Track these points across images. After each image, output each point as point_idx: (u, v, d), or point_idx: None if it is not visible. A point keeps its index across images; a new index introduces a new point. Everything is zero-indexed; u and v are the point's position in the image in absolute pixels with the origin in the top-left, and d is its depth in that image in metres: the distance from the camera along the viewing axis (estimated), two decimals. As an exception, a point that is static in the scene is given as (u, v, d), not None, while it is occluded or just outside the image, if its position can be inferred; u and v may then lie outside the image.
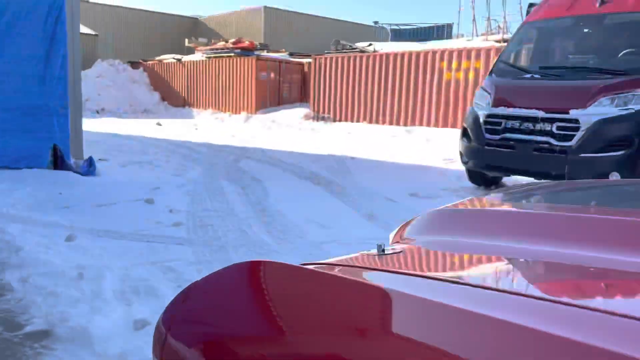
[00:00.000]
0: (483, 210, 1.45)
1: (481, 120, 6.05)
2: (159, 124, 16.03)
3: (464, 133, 6.36)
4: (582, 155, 5.27)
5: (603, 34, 6.13)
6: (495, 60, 7.50)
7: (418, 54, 14.09)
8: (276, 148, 10.72)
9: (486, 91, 6.21)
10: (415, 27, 21.45)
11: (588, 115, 5.27)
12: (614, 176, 5.22)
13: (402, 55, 14.44)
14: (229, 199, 5.80)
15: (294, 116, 16.98)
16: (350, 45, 17.65)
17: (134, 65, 24.11)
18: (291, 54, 21.63)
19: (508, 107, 5.83)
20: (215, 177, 7.18)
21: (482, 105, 6.16)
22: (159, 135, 12.94)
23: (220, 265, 3.56)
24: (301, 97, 19.63)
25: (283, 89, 19.49)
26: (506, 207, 1.52)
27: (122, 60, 24.13)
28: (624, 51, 5.78)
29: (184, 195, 5.91)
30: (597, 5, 6.15)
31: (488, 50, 12.72)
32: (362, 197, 6.06)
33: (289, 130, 15.24)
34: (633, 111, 5.15)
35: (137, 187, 6.22)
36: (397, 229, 1.44)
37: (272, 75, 19.11)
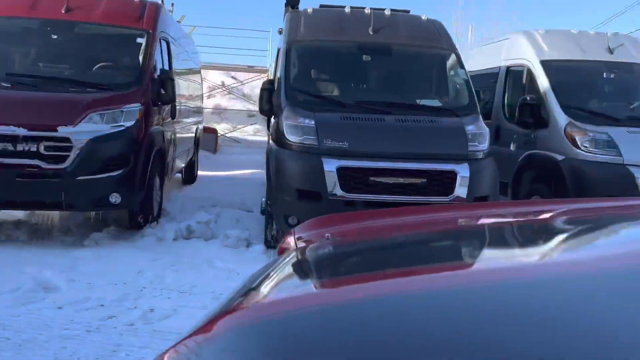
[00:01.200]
0: None
1: None
2: None
3: None
4: (80, 178, 4.66)
5: (77, 43, 5.63)
6: None
7: None
8: None
9: None
10: None
11: (79, 133, 4.71)
12: (114, 197, 4.90)
13: None
14: None
15: None
16: None
17: None
18: None
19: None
20: None
21: None
22: None
23: None
24: None
25: None
26: None
27: None
28: (100, 64, 5.51)
29: None
30: (63, 10, 5.59)
31: None
32: None
33: None
34: (124, 128, 4.95)
35: None
36: None
37: None
